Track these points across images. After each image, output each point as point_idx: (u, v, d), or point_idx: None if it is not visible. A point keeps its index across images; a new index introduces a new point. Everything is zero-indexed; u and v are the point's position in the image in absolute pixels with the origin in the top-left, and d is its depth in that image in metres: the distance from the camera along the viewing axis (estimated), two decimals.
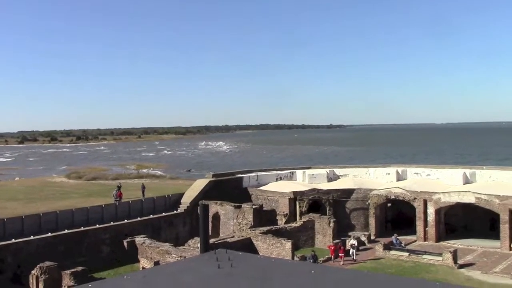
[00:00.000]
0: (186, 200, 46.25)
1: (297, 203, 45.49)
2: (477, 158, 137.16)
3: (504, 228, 39.26)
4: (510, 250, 38.21)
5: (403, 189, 44.51)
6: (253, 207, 42.92)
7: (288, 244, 36.51)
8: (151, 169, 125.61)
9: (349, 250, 37.82)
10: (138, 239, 36.54)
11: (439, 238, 42.63)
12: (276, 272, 8.51)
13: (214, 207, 44.67)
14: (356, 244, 38.27)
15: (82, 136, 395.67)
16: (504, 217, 39.18)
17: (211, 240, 35.58)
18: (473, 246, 40.60)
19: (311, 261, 34.01)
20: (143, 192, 51.26)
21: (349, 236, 40.31)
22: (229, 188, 47.98)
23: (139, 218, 42.61)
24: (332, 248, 37.35)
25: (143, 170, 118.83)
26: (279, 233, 39.48)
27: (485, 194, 40.31)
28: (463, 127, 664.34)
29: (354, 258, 37.28)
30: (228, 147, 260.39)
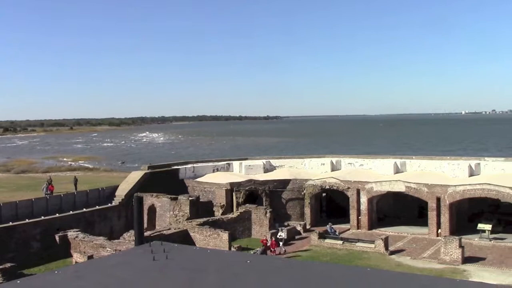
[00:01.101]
0: (121, 193, 45.31)
1: (234, 194, 45.59)
2: (407, 148, 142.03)
3: (431, 215, 40.97)
4: (437, 236, 39.92)
5: (337, 179, 45.52)
6: (190, 198, 42.64)
7: (225, 235, 36.54)
8: (84, 161, 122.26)
9: (279, 242, 37.79)
10: (71, 234, 35.51)
11: (371, 226, 43.97)
12: (212, 263, 8.45)
13: (150, 199, 44.05)
14: (283, 236, 38.42)
15: (10, 127, 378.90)
16: (432, 204, 40.88)
17: (147, 233, 35.11)
18: (403, 233, 42.13)
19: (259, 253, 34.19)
20: (75, 185, 49.83)
21: (278, 229, 40.24)
22: (165, 180, 47.40)
23: (71, 212, 41.35)
24: (264, 242, 37.16)
25: (76, 162, 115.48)
26: (216, 225, 39.45)
27: (414, 183, 41.89)
28: (396, 118, 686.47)
29: (281, 251, 37.20)
30: (164, 139, 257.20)
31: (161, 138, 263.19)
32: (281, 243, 37.75)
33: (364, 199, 43.85)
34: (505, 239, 39.01)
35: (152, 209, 43.96)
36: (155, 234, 35.89)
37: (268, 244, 36.75)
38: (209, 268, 8.19)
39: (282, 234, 38.63)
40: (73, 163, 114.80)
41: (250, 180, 47.12)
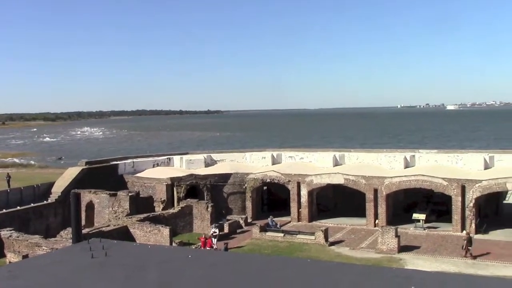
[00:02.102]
0: (57, 190, 43.93)
1: (174, 189, 45.18)
2: (345, 141, 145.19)
3: (369, 206, 42.15)
4: (375, 226, 41.11)
5: (278, 172, 45.99)
6: (129, 194, 41.89)
7: (166, 231, 36.18)
8: (18, 158, 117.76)
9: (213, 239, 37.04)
10: (4, 233, 34.18)
11: (311, 218, 44.74)
12: (153, 259, 8.32)
13: (88, 195, 42.98)
14: (217, 233, 38.08)
15: None
16: (369, 196, 42.03)
17: (85, 230, 34.23)
18: (342, 224, 43.12)
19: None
20: (8, 182, 47.92)
21: (213, 225, 39.66)
22: (104, 176, 46.34)
23: (4, 210, 39.74)
24: (202, 240, 36.57)
25: (8, 159, 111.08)
26: (157, 220, 39.00)
27: (352, 175, 42.91)
28: (335, 112, 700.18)
29: (215, 248, 36.18)
30: (102, 134, 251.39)
31: (99, 133, 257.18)
32: (215, 240, 37.01)
33: (304, 192, 44.53)
34: (438, 227, 40.65)
35: (90, 206, 42.92)
36: (93, 231, 35.06)
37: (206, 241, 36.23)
38: (149, 264, 8.08)
39: (216, 230, 38.09)
40: (5, 159, 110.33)
41: (191, 175, 46.83)
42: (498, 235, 38.22)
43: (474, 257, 32.97)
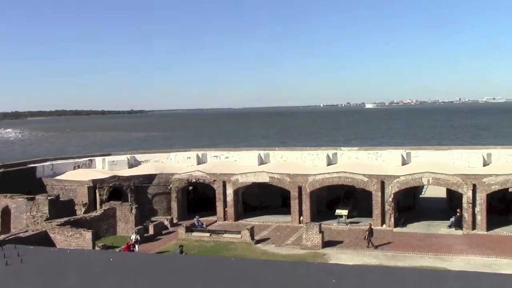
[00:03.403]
0: None
1: (97, 191, 43.86)
2: (268, 140, 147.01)
3: (294, 203, 42.84)
4: (300, 223, 41.84)
5: (204, 172, 45.78)
6: (49, 198, 40.21)
7: (88, 234, 35.06)
8: None
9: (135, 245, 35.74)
10: None
11: (238, 217, 44.89)
12: (72, 264, 8.00)
13: (3, 200, 40.87)
14: (139, 239, 37.02)
15: None
16: (294, 193, 42.73)
17: (1, 237, 32.58)
18: (268, 222, 43.56)
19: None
20: None
21: (134, 232, 38.52)
22: (21, 180, 44.24)
23: None
24: (126, 247, 35.16)
25: None
26: (79, 224, 37.70)
27: (277, 173, 43.46)
28: (261, 111, 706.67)
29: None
30: (18, 135, 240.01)
31: (15, 134, 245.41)
32: (137, 245, 35.98)
33: (230, 191, 44.60)
34: (359, 222, 41.97)
35: (6, 211, 40.83)
36: (9, 237, 33.36)
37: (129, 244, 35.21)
38: (69, 269, 7.75)
39: (137, 236, 36.93)
40: None
41: (114, 176, 45.65)
42: (415, 228, 40.00)
43: (376, 247, 34.82)
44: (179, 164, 49.99)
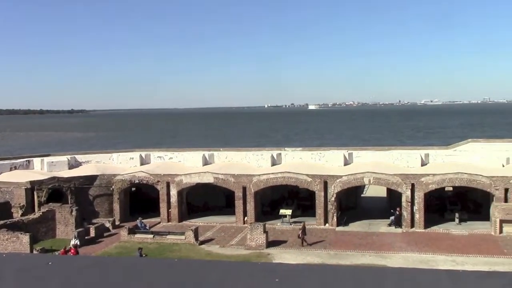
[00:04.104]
0: None
1: (35, 193, 42.41)
2: (213, 141, 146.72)
3: (238, 204, 42.92)
4: (244, 223, 41.96)
5: (147, 173, 45.14)
6: None
7: (25, 238, 33.85)
8: None
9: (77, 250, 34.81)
10: None
11: (181, 218, 44.51)
12: (7, 269, 7.65)
13: None
14: (78, 243, 36.07)
15: None
16: (238, 194, 42.80)
17: None
18: (212, 223, 43.43)
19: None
20: None
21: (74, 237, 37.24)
22: None
23: None
24: (62, 252, 33.91)
25: None
26: (16, 227, 36.36)
27: (222, 174, 43.40)
28: (206, 112, 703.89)
29: None
30: None
31: None
32: (77, 250, 34.99)
33: (174, 192, 44.17)
34: (303, 222, 42.44)
35: None
36: None
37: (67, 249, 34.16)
38: (4, 274, 7.42)
39: (77, 241, 36.00)
40: None
41: (53, 178, 44.26)
42: (357, 227, 40.92)
43: (310, 244, 35.77)
44: (122, 164, 49.05)
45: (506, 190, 38.35)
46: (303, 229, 36.47)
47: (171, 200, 44.36)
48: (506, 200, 38.30)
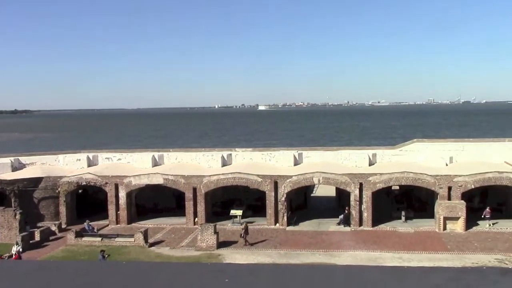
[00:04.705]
0: None
1: None
2: (163, 141, 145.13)
3: (189, 205, 42.62)
4: (194, 224, 41.70)
5: (95, 175, 44.19)
6: None
7: None
8: None
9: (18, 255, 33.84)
10: None
11: (131, 220, 43.82)
12: None
13: None
14: (21, 250, 34.82)
15: None
16: (188, 195, 42.51)
17: None
18: (162, 225, 42.96)
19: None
20: None
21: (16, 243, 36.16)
22: None
23: None
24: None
25: None
26: None
27: (172, 175, 42.99)
28: (153, 112, 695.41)
29: None
30: None
31: None
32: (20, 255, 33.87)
33: (122, 194, 43.43)
34: (254, 222, 42.63)
35: None
36: None
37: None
38: None
39: (19, 247, 34.78)
40: None
41: None
42: (306, 226, 41.39)
43: (251, 244, 36.24)
44: (68, 166, 47.80)
45: (450, 189, 39.69)
46: (246, 229, 36.96)
47: (119, 202, 43.60)
48: (449, 198, 39.63)
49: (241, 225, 41.49)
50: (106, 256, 32.22)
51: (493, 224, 39.86)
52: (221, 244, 36.06)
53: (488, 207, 40.67)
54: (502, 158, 44.54)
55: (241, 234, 36.72)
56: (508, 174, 39.63)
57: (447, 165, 43.65)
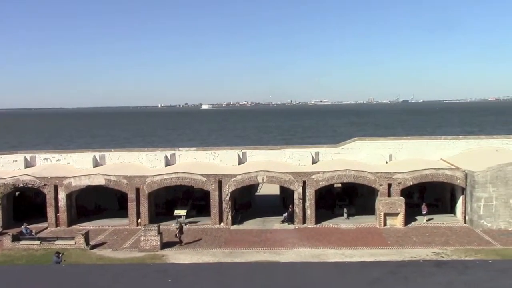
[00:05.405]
0: None
1: None
2: (104, 141, 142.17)
3: (131, 206, 41.93)
4: (138, 225, 41.06)
5: (33, 176, 42.72)
6: None
7: None
8: None
9: None
10: None
11: (71, 222, 42.65)
12: None
13: None
14: None
15: None
16: (131, 195, 41.82)
17: None
18: (104, 226, 42.05)
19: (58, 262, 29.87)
20: None
21: None
22: None
23: None
24: None
25: None
26: None
27: (114, 175, 42.15)
28: (94, 111, 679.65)
29: None
30: None
31: None
32: None
33: (62, 195, 42.21)
34: (198, 222, 42.45)
35: None
36: None
37: None
38: None
39: None
40: None
41: None
42: (251, 225, 41.58)
43: (186, 243, 36.41)
44: (4, 168, 46.01)
45: (389, 185, 40.86)
46: (180, 229, 37.13)
47: (59, 204, 42.34)
48: (389, 195, 40.80)
49: (186, 225, 41.25)
50: (61, 255, 31.28)
51: (428, 220, 41.35)
52: (165, 245, 35.70)
53: (424, 203, 42.16)
54: (439, 156, 46.36)
55: (175, 234, 36.69)
56: (444, 171, 41.22)
57: (387, 162, 44.98)
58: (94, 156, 46.72)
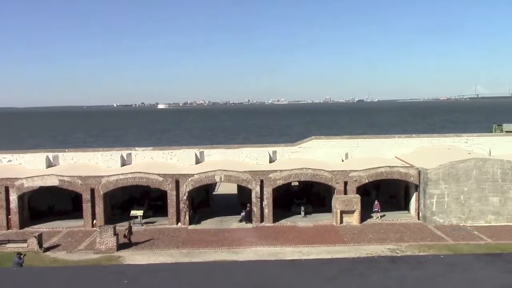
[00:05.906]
0: None
1: None
2: (55, 141, 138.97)
3: (86, 207, 41.09)
4: (93, 227, 40.30)
5: None
6: None
7: None
8: None
9: None
10: None
11: (23, 224, 41.47)
12: None
13: None
14: None
15: None
16: (86, 196, 40.99)
17: None
18: (58, 228, 41.08)
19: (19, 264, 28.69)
20: None
21: None
22: None
23: None
24: None
25: None
26: None
27: (68, 176, 41.22)
28: (46, 111, 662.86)
29: None
30: None
31: None
32: None
33: (14, 197, 41.00)
34: (155, 222, 42.01)
35: None
36: None
37: None
38: None
39: None
40: None
41: None
42: (209, 224, 41.43)
43: (135, 244, 36.13)
44: None
45: (346, 183, 41.47)
46: (129, 229, 36.96)
47: (10, 206, 41.09)
48: (345, 193, 41.41)
49: (142, 225, 40.80)
50: (23, 256, 30.31)
51: (381, 217, 42.19)
52: (121, 246, 35.16)
53: (376, 201, 42.94)
54: (393, 154, 47.38)
55: (124, 234, 36.32)
56: (399, 169, 42.14)
57: (343, 161, 45.62)
58: (47, 156, 45.58)
